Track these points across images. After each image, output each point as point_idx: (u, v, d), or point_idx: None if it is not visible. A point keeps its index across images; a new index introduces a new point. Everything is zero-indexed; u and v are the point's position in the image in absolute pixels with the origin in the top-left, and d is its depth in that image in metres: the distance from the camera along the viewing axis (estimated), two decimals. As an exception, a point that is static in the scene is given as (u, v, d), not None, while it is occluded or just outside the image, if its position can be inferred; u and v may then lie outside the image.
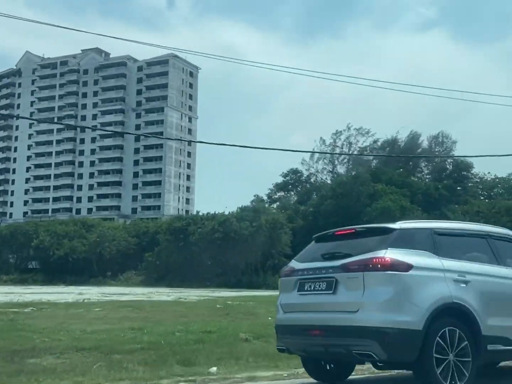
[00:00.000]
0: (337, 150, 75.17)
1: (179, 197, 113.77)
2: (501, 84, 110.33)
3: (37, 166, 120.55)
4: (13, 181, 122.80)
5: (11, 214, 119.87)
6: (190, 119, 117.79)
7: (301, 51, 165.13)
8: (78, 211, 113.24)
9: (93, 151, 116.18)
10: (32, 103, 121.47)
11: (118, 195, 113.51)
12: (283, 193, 78.02)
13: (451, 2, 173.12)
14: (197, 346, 10.36)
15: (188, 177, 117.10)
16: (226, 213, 59.39)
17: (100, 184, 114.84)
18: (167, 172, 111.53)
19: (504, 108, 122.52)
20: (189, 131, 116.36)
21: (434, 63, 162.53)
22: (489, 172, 72.97)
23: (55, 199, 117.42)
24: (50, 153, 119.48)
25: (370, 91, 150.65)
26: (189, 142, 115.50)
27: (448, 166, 79.23)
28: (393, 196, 57.79)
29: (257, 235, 54.26)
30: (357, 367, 7.59)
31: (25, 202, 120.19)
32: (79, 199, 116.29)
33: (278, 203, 74.27)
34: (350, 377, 7.41)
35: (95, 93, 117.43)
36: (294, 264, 6.87)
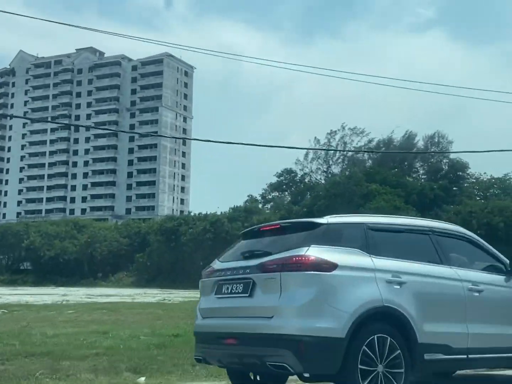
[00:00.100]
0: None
1: (173, 197, 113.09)
2: (499, 84, 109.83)
3: (31, 166, 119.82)
4: (6, 181, 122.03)
5: (4, 214, 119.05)
6: (185, 119, 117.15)
7: (301, 51, 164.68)
8: (72, 211, 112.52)
9: (87, 151, 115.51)
10: (25, 102, 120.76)
11: (112, 196, 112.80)
12: (277, 193, 77.33)
13: (449, 3, 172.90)
14: (157, 351, 9.71)
15: (183, 178, 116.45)
16: (218, 213, 58.80)
17: (94, 184, 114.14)
18: (162, 172, 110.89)
19: (501, 108, 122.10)
20: (184, 131, 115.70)
21: (432, 63, 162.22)
22: (485, 173, 72.36)
23: (49, 200, 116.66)
24: (43, 153, 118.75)
25: (368, 91, 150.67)
26: (184, 142, 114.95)
27: (443, 167, 78.76)
28: (386, 197, 57.21)
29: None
30: (293, 377, 6.75)
31: (19, 203, 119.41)
32: (72, 200, 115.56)
33: (272, 203, 73.65)
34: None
35: (89, 93, 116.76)
36: (216, 264, 6.13)
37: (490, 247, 6.58)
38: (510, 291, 6.34)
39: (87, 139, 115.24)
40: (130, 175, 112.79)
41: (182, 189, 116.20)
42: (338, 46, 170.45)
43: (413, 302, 5.44)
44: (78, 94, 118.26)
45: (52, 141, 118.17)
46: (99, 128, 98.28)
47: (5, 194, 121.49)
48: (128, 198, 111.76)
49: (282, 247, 5.42)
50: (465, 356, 5.78)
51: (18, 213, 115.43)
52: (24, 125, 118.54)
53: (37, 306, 20.97)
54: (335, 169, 76.81)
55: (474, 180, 74.97)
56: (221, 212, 58.75)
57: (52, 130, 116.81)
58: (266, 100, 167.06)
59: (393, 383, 5.20)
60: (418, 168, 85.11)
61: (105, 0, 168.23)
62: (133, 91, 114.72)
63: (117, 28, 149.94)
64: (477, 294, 5.99)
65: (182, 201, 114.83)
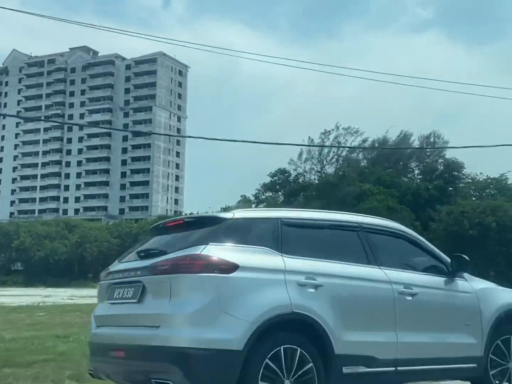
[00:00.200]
0: (325, 150, 73.83)
1: (167, 197, 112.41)
2: (497, 85, 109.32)
3: (24, 165, 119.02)
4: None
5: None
6: (179, 119, 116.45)
7: (298, 52, 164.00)
8: (65, 211, 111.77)
9: (80, 151, 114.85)
10: (19, 102, 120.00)
11: (106, 196, 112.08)
12: (271, 194, 76.72)
13: (447, 3, 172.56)
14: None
15: (177, 178, 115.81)
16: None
17: (87, 184, 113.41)
18: (155, 172, 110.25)
19: (498, 108, 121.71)
20: (178, 130, 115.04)
21: (430, 63, 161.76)
22: (481, 173, 71.90)
23: (42, 200, 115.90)
24: (37, 153, 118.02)
25: (365, 91, 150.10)
26: (178, 142, 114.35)
27: (439, 167, 78.30)
28: (380, 197, 56.65)
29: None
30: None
31: (12, 203, 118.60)
32: (66, 200, 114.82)
33: (265, 203, 73.05)
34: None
35: (83, 92, 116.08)
36: (114, 264, 5.45)
37: (431, 245, 5.91)
38: (449, 295, 5.69)
39: (80, 139, 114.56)
40: (123, 175, 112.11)
41: (176, 189, 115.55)
42: (335, 46, 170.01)
43: (331, 307, 4.77)
44: (72, 93, 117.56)
45: (45, 141, 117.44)
46: (93, 126, 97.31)
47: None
48: (122, 198, 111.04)
49: (179, 245, 4.75)
50: (393, 368, 5.10)
51: (11, 213, 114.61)
52: (17, 124, 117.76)
53: (8, 307, 20.29)
54: (329, 169, 76.15)
55: (470, 180, 74.57)
56: (212, 213, 57.98)
57: (45, 129, 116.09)
58: (262, 101, 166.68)
59: None
60: (414, 168, 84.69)
61: (103, 1, 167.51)
62: (127, 90, 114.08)
63: (118, 32, 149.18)
64: (409, 298, 5.29)
65: (176, 201, 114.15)
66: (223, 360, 4.29)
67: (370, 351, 4.95)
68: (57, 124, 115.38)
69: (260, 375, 4.36)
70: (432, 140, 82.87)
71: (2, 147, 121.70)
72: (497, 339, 5.83)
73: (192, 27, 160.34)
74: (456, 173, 74.05)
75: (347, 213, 5.82)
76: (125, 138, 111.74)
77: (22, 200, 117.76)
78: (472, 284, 5.87)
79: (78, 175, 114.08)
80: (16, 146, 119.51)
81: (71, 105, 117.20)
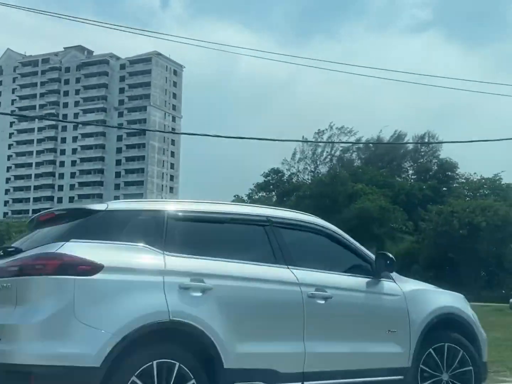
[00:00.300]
0: (319, 150, 73.49)
1: (162, 197, 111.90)
2: (494, 85, 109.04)
3: (18, 165, 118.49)
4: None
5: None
6: (174, 118, 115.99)
7: (296, 52, 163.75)
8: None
9: (74, 151, 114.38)
10: (13, 101, 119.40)
11: (100, 196, 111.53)
12: (264, 194, 76.42)
13: (445, 4, 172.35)
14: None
15: (172, 178, 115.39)
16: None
17: (82, 184, 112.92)
18: (150, 172, 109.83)
19: (493, 109, 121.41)
20: (173, 130, 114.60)
21: (428, 64, 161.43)
22: (475, 173, 71.73)
23: (36, 200, 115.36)
24: (31, 153, 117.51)
25: (361, 92, 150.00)
26: (173, 142, 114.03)
27: (432, 167, 78.12)
28: (372, 197, 56.31)
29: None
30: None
31: (6, 203, 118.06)
32: (60, 200, 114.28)
33: (259, 203, 72.82)
34: None
35: (77, 92, 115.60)
36: None
37: (356, 243, 5.26)
38: (372, 298, 5.03)
39: (75, 139, 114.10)
40: (118, 175, 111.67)
41: (171, 189, 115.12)
42: (333, 47, 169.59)
43: (222, 314, 4.12)
44: (66, 93, 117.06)
45: (39, 141, 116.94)
46: (86, 124, 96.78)
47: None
48: (116, 198, 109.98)
49: (39, 242, 4.13)
50: (299, 383, 4.48)
51: (5, 213, 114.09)
52: (11, 124, 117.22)
53: None
54: (323, 169, 75.90)
55: (464, 181, 74.39)
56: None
57: (40, 129, 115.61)
58: (258, 102, 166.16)
59: None
60: (408, 168, 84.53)
61: (101, 1, 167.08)
62: (121, 90, 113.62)
63: (111, 28, 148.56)
64: (322, 302, 4.62)
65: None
66: (76, 379, 3.62)
67: (270, 364, 4.32)
68: (51, 123, 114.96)
69: None
70: (426, 140, 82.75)
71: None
72: (429, 348, 5.15)
73: (191, 28, 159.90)
74: (450, 173, 73.91)
75: (254, 205, 5.34)
76: (119, 138, 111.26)
77: (16, 200, 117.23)
78: (401, 286, 5.19)
79: (72, 175, 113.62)
80: (10, 146, 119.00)
81: (65, 105, 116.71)
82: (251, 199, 75.19)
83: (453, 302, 5.57)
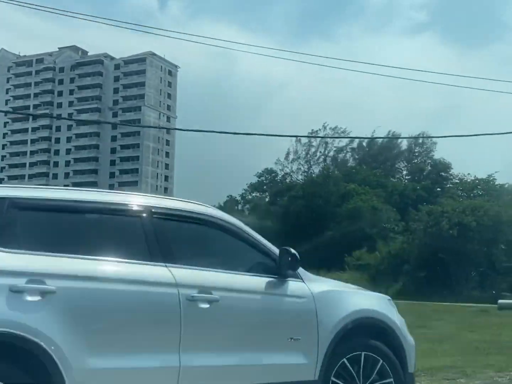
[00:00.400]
0: (312, 150, 73.25)
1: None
2: (491, 87, 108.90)
3: (11, 166, 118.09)
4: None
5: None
6: (168, 119, 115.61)
7: (294, 53, 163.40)
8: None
9: (68, 151, 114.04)
10: (7, 101, 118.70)
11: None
12: (257, 194, 76.24)
13: (441, 6, 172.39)
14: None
15: (166, 178, 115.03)
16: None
17: (76, 185, 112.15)
18: (144, 173, 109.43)
19: (489, 109, 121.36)
20: (167, 130, 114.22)
21: (426, 65, 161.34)
22: (469, 173, 71.62)
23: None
24: (24, 153, 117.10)
25: (358, 92, 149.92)
26: (168, 142, 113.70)
27: (426, 167, 78.10)
28: (365, 197, 56.06)
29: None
30: None
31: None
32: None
33: (252, 203, 72.57)
34: None
35: (71, 92, 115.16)
36: None
37: (259, 237, 4.58)
38: (273, 300, 4.38)
39: (69, 139, 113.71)
40: (112, 175, 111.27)
41: (166, 189, 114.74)
42: (331, 48, 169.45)
43: (67, 322, 3.46)
44: (60, 93, 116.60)
45: (33, 141, 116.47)
46: (80, 120, 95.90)
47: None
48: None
49: None
50: None
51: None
52: (5, 124, 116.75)
53: None
54: (316, 169, 75.71)
55: (458, 181, 74.30)
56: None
57: (33, 129, 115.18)
58: (255, 103, 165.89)
59: None
60: (402, 168, 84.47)
61: (98, 2, 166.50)
62: (116, 90, 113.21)
63: (109, 29, 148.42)
64: (205, 306, 3.97)
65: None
66: None
67: (133, 381, 3.70)
68: (45, 124, 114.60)
69: None
70: (420, 141, 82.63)
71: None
72: (343, 357, 4.50)
73: (188, 29, 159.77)
74: (443, 174, 73.82)
75: (131, 193, 4.46)
76: (113, 138, 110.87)
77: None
78: (311, 286, 4.53)
79: (66, 175, 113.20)
80: (4, 146, 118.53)
81: (60, 105, 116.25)
82: (245, 200, 75.04)
83: (374, 304, 4.87)
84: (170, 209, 4.28)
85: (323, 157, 74.50)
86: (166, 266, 3.96)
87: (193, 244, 4.43)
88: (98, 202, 4.08)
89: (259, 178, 76.06)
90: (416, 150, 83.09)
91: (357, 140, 77.37)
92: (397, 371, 4.69)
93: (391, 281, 37.83)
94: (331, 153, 75.72)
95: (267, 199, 71.33)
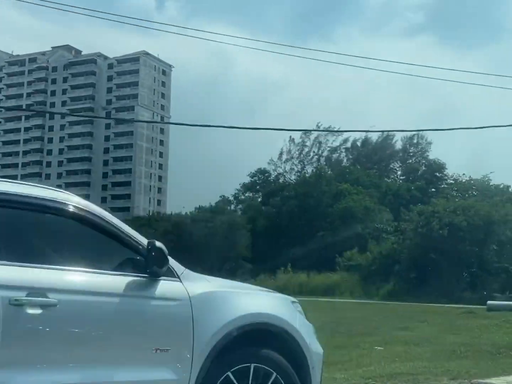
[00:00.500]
0: (306, 150, 72.73)
1: (149, 198, 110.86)
2: (489, 89, 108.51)
3: (4, 166, 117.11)
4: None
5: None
6: (162, 118, 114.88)
7: (293, 54, 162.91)
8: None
9: (61, 151, 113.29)
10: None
11: (87, 196, 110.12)
12: (250, 194, 75.61)
13: (438, 7, 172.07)
14: None
15: (160, 178, 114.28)
16: (183, 213, 56.99)
17: (68, 185, 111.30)
18: (137, 173, 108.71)
19: (486, 110, 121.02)
20: (161, 130, 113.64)
21: (424, 66, 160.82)
22: (463, 174, 71.23)
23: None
24: (17, 153, 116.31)
25: (354, 92, 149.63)
26: (161, 142, 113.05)
27: (421, 167, 77.70)
28: (357, 197, 55.51)
29: (213, 237, 51.78)
30: None
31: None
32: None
33: (245, 204, 71.99)
34: None
35: (64, 91, 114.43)
36: None
37: (126, 228, 3.79)
38: (134, 304, 3.63)
39: (62, 139, 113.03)
40: (105, 175, 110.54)
41: (159, 190, 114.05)
42: (329, 50, 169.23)
43: None
44: (53, 93, 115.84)
45: (25, 140, 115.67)
46: (72, 115, 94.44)
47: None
48: (103, 199, 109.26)
49: None
50: None
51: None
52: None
53: None
54: (310, 170, 75.21)
55: (453, 182, 73.87)
56: (186, 213, 56.95)
57: (26, 129, 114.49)
58: (251, 103, 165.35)
59: None
60: (396, 169, 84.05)
61: (96, 3, 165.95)
62: (109, 90, 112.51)
63: (107, 29, 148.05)
64: (36, 311, 3.23)
65: (159, 202, 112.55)
66: None
67: None
68: (37, 124, 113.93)
69: None
70: (415, 141, 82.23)
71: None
72: (227, 371, 3.79)
73: (186, 30, 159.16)
74: (438, 174, 73.38)
75: None
76: (107, 138, 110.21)
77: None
78: (189, 287, 3.82)
79: (59, 175, 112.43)
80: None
81: (52, 105, 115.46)
82: (237, 200, 74.41)
83: (271, 308, 4.15)
84: (1, 194, 3.43)
85: (316, 157, 74.06)
86: None
87: (31, 236, 3.57)
88: None
89: (252, 178, 75.43)
90: (410, 150, 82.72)
91: (351, 140, 76.81)
92: None
93: (382, 282, 37.29)
94: (325, 153, 75.27)
95: (259, 199, 70.71)
